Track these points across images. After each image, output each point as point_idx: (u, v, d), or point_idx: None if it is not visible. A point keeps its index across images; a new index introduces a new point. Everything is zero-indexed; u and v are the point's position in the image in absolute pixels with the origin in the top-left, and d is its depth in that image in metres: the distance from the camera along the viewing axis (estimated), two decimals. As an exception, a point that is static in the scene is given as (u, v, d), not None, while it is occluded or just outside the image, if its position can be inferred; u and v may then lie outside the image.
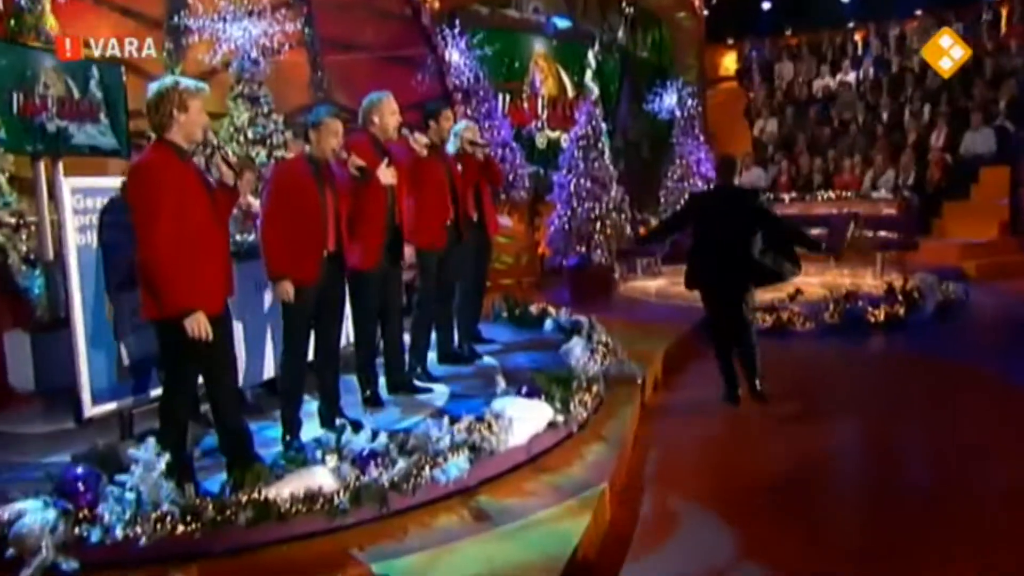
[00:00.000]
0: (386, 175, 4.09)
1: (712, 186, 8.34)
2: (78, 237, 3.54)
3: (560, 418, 4.04)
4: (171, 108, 2.98)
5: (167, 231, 2.89)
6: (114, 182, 3.57)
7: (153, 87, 3.04)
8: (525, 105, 10.78)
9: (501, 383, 4.26)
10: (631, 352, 5.40)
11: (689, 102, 11.43)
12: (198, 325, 2.97)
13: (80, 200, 3.56)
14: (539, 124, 10.94)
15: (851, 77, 14.12)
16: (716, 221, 4.87)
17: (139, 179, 2.94)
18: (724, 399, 5.01)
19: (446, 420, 3.59)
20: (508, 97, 10.43)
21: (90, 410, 3.58)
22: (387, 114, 4.27)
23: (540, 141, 10.93)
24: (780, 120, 14.06)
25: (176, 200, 2.91)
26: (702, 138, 11.51)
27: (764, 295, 7.87)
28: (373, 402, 4.38)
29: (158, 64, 7.04)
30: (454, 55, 9.24)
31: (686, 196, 11.25)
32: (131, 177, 2.99)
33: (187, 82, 3.06)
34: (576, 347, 5.14)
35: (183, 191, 2.95)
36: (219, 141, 3.10)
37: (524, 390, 4.10)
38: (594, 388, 4.48)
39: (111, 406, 3.66)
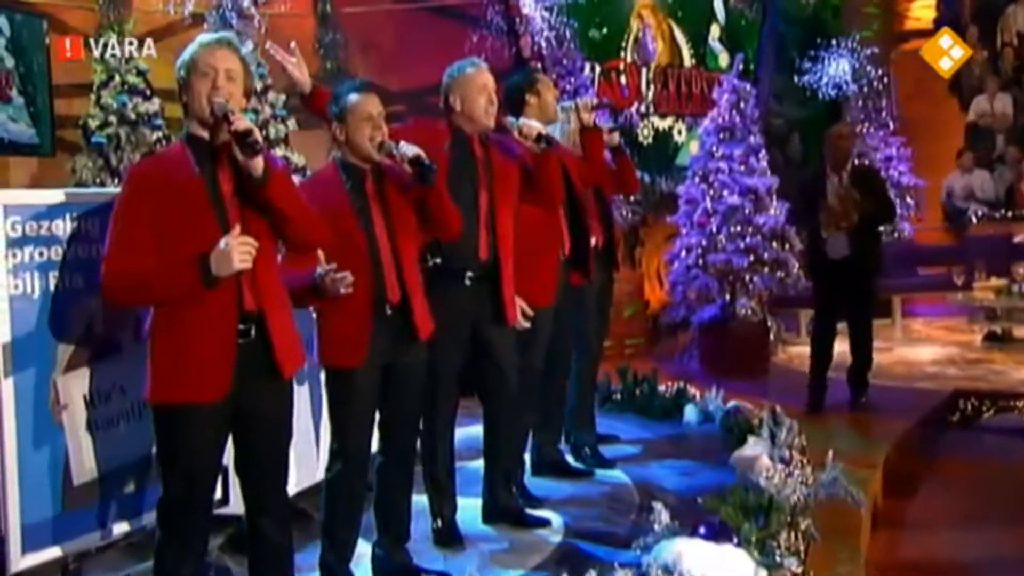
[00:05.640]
0: None
1: None
2: (12, 282, 3.41)
3: (763, 575, 3.82)
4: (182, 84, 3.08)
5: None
6: (80, 194, 3.68)
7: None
8: (623, 79, 10.62)
9: (663, 514, 4.05)
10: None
11: (870, 71, 11.24)
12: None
13: (17, 224, 3.44)
14: (643, 107, 10.75)
15: None
16: None
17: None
18: (809, 411, 6.79)
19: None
20: (598, 68, 10.28)
21: (19, 563, 3.39)
22: (474, 93, 4.12)
23: (644, 133, 10.74)
24: (1016, 95, 13.49)
25: (150, 224, 2.89)
26: (892, 125, 11.31)
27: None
28: (447, 537, 4.24)
29: (90, 18, 7.04)
30: (528, 4, 9.15)
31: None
32: None
33: (206, 37, 3.10)
34: (761, 456, 4.93)
35: (166, 208, 2.91)
36: (225, 103, 2.91)
37: (703, 528, 3.87)
38: (802, 525, 4.25)
39: (50, 554, 3.49)
